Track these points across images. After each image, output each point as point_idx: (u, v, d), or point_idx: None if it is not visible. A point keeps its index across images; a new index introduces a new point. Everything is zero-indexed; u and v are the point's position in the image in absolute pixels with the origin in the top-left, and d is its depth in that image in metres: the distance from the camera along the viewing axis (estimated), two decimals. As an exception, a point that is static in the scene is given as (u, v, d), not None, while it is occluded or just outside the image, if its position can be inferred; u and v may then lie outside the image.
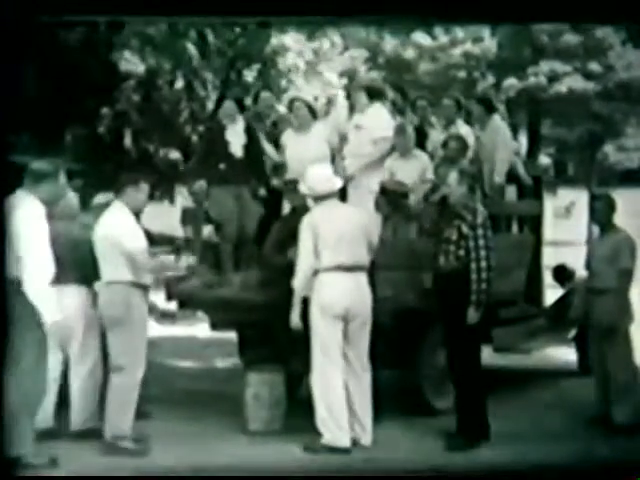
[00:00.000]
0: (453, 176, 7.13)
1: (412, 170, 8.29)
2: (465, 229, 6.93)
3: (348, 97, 8.94)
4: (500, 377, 9.77)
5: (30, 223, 6.02)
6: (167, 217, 9.35)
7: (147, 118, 13.75)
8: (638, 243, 7.61)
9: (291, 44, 16.28)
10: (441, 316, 7.14)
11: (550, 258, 10.02)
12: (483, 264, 6.87)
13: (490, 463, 6.35)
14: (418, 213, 8.11)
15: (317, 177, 7.03)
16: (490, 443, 6.87)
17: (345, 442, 6.68)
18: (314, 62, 17.73)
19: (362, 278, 6.90)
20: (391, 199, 7.88)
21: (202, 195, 8.78)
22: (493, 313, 8.55)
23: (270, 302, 7.42)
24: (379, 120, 8.13)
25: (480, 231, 6.94)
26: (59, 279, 6.21)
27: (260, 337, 8.15)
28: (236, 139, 8.35)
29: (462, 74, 28.34)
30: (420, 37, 28.12)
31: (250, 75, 15.55)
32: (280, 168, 8.60)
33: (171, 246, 8.04)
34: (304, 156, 8.18)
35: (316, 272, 6.80)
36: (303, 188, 7.15)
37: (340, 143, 8.54)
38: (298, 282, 6.86)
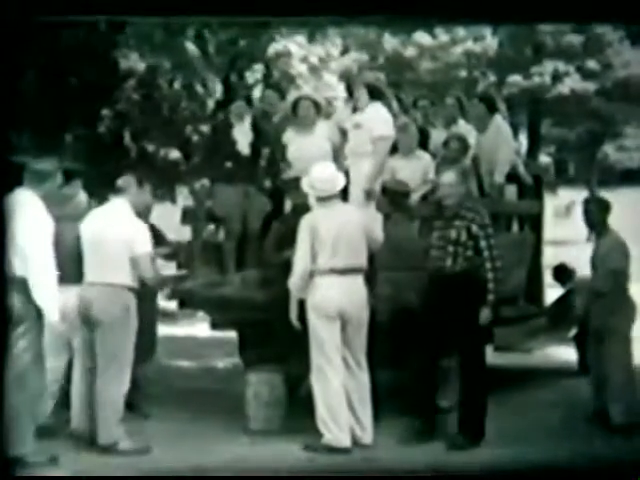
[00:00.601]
0: (450, 176, 7.08)
1: (414, 170, 8.29)
2: (475, 229, 6.89)
3: (351, 96, 8.91)
4: (500, 377, 9.77)
5: (35, 223, 6.02)
6: (168, 217, 9.33)
7: (147, 118, 13.73)
8: (638, 242, 7.62)
9: (292, 46, 16.29)
10: (450, 317, 6.94)
11: (550, 257, 10.02)
12: (498, 263, 6.88)
13: (490, 463, 6.34)
14: (420, 213, 8.12)
15: (320, 176, 7.00)
16: (490, 443, 6.87)
17: (345, 442, 6.68)
18: (315, 64, 17.74)
19: (358, 280, 6.89)
20: (392, 199, 7.88)
21: (203, 194, 8.78)
22: (494, 312, 8.58)
23: (270, 301, 7.42)
24: (378, 119, 8.13)
25: (490, 230, 6.95)
26: (63, 279, 6.21)
27: (260, 337, 8.14)
28: (243, 137, 8.36)
29: (463, 73, 28.36)
30: (421, 36, 28.12)
31: (251, 76, 15.57)
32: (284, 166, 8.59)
33: (167, 248, 8.00)
34: (307, 154, 8.18)
35: (312, 273, 6.80)
36: (305, 187, 7.13)
37: (342, 142, 8.53)
38: (294, 283, 6.86)
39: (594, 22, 21.60)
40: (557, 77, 26.78)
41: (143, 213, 7.04)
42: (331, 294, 6.76)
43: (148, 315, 7.79)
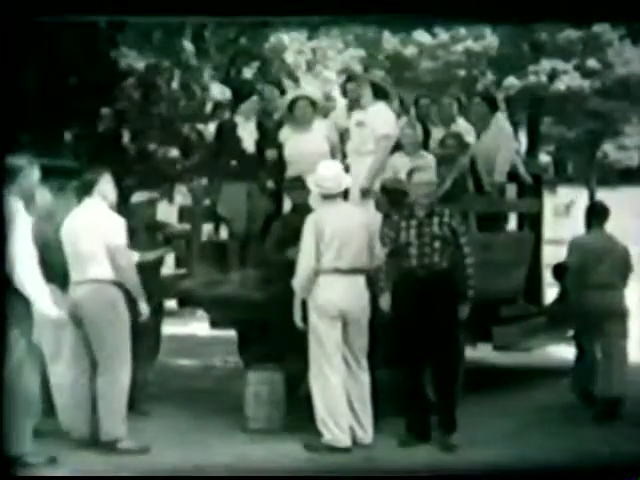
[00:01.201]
0: (422, 176, 7.05)
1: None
2: (455, 224, 6.93)
3: (344, 94, 8.88)
4: (500, 376, 9.78)
5: (13, 220, 6.01)
6: (166, 216, 9.32)
7: (146, 116, 13.73)
8: (639, 242, 7.64)
9: (291, 43, 16.29)
10: (433, 315, 6.82)
11: (550, 257, 10.02)
12: (474, 260, 6.97)
13: (490, 463, 6.34)
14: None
15: (327, 174, 7.00)
16: (490, 443, 6.87)
17: (345, 442, 6.68)
18: (313, 61, 17.73)
19: (360, 280, 6.89)
20: (391, 198, 7.87)
21: (201, 193, 8.78)
22: (493, 311, 8.59)
23: (270, 300, 7.42)
24: (382, 117, 8.12)
25: (464, 228, 7.00)
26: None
27: (260, 335, 8.14)
28: (248, 135, 8.36)
29: (462, 72, 28.34)
30: (420, 35, 28.10)
31: (250, 73, 15.54)
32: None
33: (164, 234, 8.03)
34: (304, 153, 8.18)
35: (316, 273, 6.80)
36: (311, 184, 7.13)
37: (340, 140, 8.52)
38: (298, 282, 6.85)
39: (594, 21, 21.60)
40: (556, 76, 26.77)
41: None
42: (334, 294, 6.75)
43: (152, 315, 7.81)
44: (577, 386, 8.29)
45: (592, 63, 26.96)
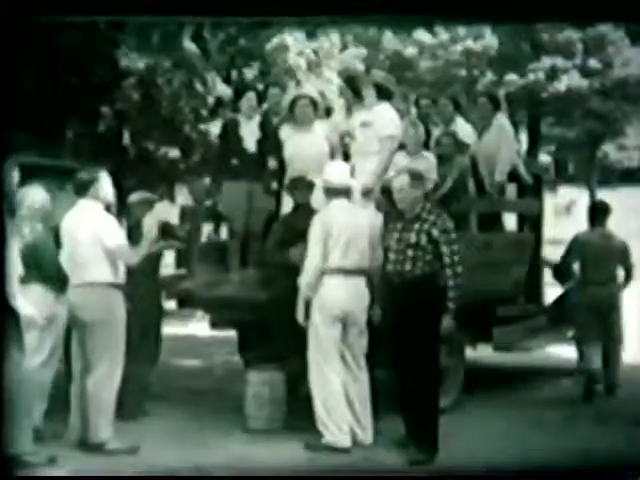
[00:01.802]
0: (400, 180, 6.87)
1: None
2: (436, 233, 6.59)
3: (343, 95, 8.85)
4: (500, 376, 9.79)
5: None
6: (167, 216, 9.32)
7: (146, 116, 13.73)
8: (639, 242, 7.67)
9: (291, 43, 16.29)
10: (407, 325, 6.56)
11: (550, 256, 10.02)
12: (459, 269, 6.55)
13: (490, 463, 6.34)
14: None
15: (336, 169, 7.07)
16: (490, 443, 6.87)
17: (345, 442, 6.68)
18: (314, 61, 17.73)
19: (362, 281, 6.90)
20: (392, 198, 7.85)
21: (202, 193, 8.77)
22: (493, 311, 8.59)
23: (270, 300, 7.42)
24: (387, 118, 8.11)
25: (452, 235, 6.65)
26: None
27: (260, 336, 8.14)
28: (250, 134, 8.36)
29: (462, 72, 28.32)
30: (420, 34, 28.09)
31: (250, 73, 15.55)
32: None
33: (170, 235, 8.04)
34: (305, 153, 8.17)
35: (322, 272, 6.79)
36: (318, 180, 7.18)
37: (340, 141, 8.51)
38: (306, 282, 6.80)
39: (594, 21, 21.59)
40: (556, 75, 26.76)
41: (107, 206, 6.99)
42: (339, 294, 6.76)
43: (153, 317, 7.82)
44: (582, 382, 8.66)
45: (592, 63, 26.96)
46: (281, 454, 6.58)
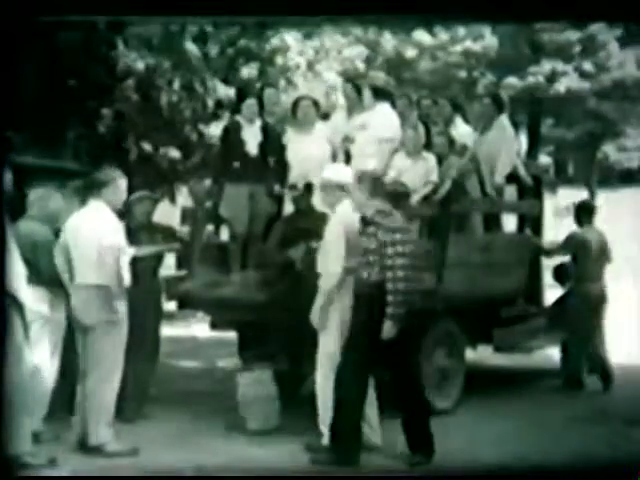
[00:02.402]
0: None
1: (419, 171, 8.23)
2: (381, 234, 6.30)
3: (344, 96, 8.84)
4: (500, 377, 9.79)
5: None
6: (168, 217, 9.32)
7: (147, 117, 13.72)
8: (639, 242, 7.69)
9: (291, 42, 16.26)
10: (362, 332, 6.41)
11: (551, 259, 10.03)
12: (400, 274, 6.18)
13: (490, 463, 6.34)
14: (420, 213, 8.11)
15: (337, 168, 7.07)
16: (490, 443, 6.87)
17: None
18: (313, 61, 17.70)
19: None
20: (392, 199, 7.85)
21: (203, 195, 8.77)
22: (493, 312, 8.60)
23: (271, 302, 7.41)
24: (384, 120, 8.11)
25: (398, 236, 6.30)
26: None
27: (260, 336, 8.14)
28: (252, 138, 8.35)
29: (462, 73, 28.33)
30: (420, 35, 28.09)
31: (249, 73, 15.53)
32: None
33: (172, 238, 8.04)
34: (306, 155, 8.17)
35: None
36: (317, 179, 7.15)
37: (342, 143, 8.51)
38: (334, 283, 6.57)
39: (592, 21, 21.63)
40: (555, 77, 26.78)
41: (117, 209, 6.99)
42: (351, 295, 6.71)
43: (152, 318, 7.81)
44: (564, 373, 9.25)
45: (590, 64, 27.00)
46: (281, 454, 6.58)
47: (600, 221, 9.74)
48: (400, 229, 6.38)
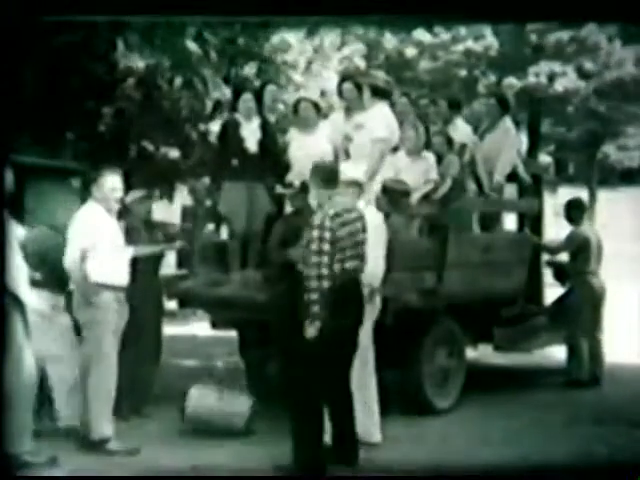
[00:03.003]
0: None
1: (418, 170, 8.24)
2: (307, 232, 6.23)
3: (341, 95, 8.82)
4: (500, 376, 9.80)
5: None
6: (167, 215, 9.33)
7: (147, 116, 13.72)
8: (639, 242, 7.71)
9: (290, 41, 16.27)
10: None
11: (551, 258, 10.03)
12: (313, 272, 6.02)
13: (490, 463, 6.34)
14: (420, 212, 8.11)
15: (353, 165, 7.08)
16: (490, 443, 6.88)
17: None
18: (313, 60, 17.71)
19: None
20: (392, 198, 7.86)
21: (203, 193, 8.76)
22: (494, 312, 8.61)
23: (271, 301, 7.41)
24: (380, 120, 8.10)
25: (315, 233, 6.11)
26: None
27: (261, 336, 8.15)
28: (251, 135, 8.34)
29: (463, 72, 28.34)
30: (421, 34, 28.10)
31: (249, 72, 15.53)
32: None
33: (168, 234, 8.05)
34: (308, 154, 8.15)
35: None
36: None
37: (343, 142, 8.51)
38: (378, 284, 6.68)
39: (591, 21, 21.63)
40: (555, 76, 26.79)
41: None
42: None
43: (153, 317, 7.82)
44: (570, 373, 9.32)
45: (589, 64, 27.01)
46: (281, 454, 6.57)
47: (600, 221, 9.76)
48: (318, 227, 6.14)
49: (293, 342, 6.22)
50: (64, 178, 7.68)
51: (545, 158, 32.33)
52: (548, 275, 9.95)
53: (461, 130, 9.09)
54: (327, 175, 6.48)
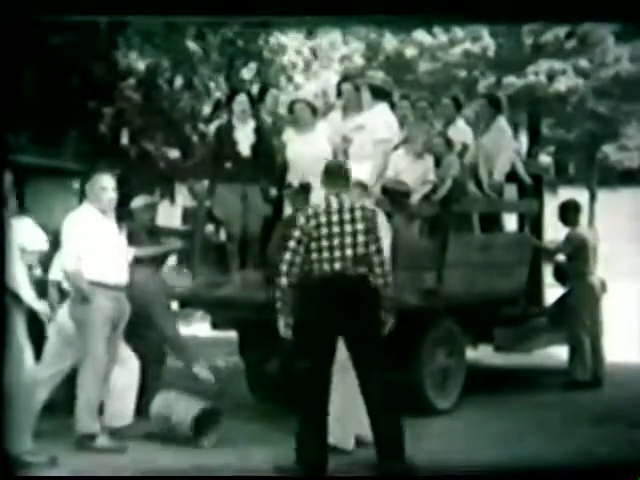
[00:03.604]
0: None
1: (417, 170, 8.23)
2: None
3: (340, 95, 8.81)
4: (500, 376, 9.80)
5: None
6: (167, 216, 9.32)
7: (147, 117, 13.74)
8: (639, 242, 7.72)
9: (290, 42, 16.29)
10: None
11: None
12: (282, 269, 6.27)
13: (490, 463, 6.34)
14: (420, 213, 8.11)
15: (358, 167, 7.07)
16: (490, 443, 6.87)
17: (349, 445, 6.62)
18: (312, 60, 17.74)
19: None
20: (392, 199, 7.86)
21: (203, 194, 8.75)
22: (494, 312, 8.61)
23: (271, 301, 7.40)
24: (381, 121, 8.10)
25: (297, 233, 6.25)
26: None
27: (261, 336, 8.14)
28: (245, 138, 8.32)
29: (462, 73, 28.36)
30: (420, 35, 28.11)
31: (248, 73, 15.55)
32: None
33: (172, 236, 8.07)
34: (306, 155, 8.15)
35: None
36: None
37: (342, 143, 8.50)
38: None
39: (590, 20, 21.64)
40: (554, 76, 26.81)
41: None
42: None
43: (154, 316, 7.81)
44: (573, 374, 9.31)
45: (585, 62, 27.05)
46: (281, 454, 6.57)
47: (600, 221, 9.79)
48: (300, 228, 6.25)
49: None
50: (63, 178, 7.67)
51: (545, 159, 32.35)
52: (548, 275, 9.95)
53: (462, 131, 9.09)
54: (338, 175, 6.47)
